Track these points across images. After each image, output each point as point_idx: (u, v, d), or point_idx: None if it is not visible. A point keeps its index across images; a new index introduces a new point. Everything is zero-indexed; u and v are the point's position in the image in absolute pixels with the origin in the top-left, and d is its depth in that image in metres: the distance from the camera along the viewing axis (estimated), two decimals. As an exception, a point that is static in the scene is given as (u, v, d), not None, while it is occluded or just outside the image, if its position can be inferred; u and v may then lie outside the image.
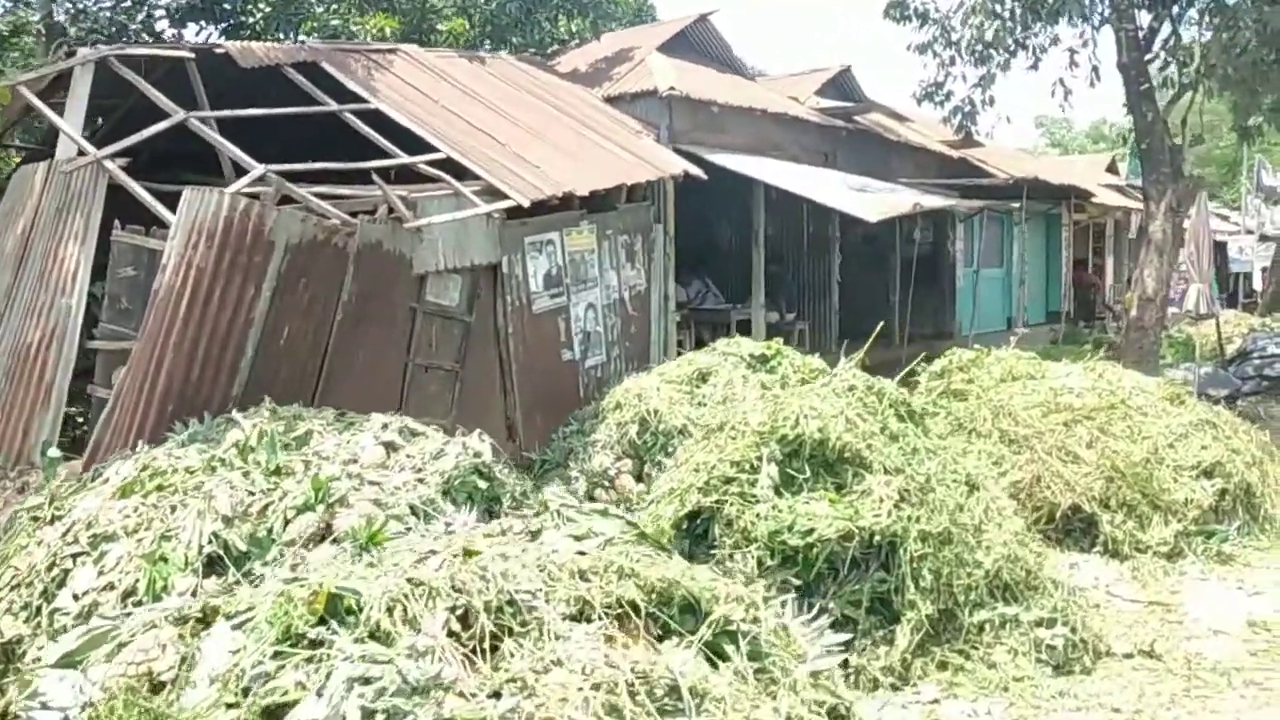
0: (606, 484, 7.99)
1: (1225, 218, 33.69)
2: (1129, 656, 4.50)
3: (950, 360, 7.76)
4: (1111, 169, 28.47)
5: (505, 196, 8.16)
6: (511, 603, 2.47)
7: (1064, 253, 22.65)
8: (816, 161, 13.67)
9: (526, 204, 8.13)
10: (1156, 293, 11.60)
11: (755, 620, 2.80)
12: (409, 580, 2.57)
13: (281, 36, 11.51)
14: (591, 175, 9.28)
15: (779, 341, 9.45)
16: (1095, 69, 12.74)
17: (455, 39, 13.31)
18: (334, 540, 4.41)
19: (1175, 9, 12.09)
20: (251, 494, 4.56)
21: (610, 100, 11.59)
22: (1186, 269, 10.54)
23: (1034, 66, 13.12)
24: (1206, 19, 12.33)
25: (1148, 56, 11.87)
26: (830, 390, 4.86)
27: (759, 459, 4.47)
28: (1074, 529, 6.22)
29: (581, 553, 2.72)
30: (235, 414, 5.27)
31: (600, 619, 2.50)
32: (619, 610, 2.55)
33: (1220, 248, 34.00)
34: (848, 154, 14.32)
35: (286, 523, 4.47)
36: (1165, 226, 11.63)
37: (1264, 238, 28.22)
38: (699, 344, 10.96)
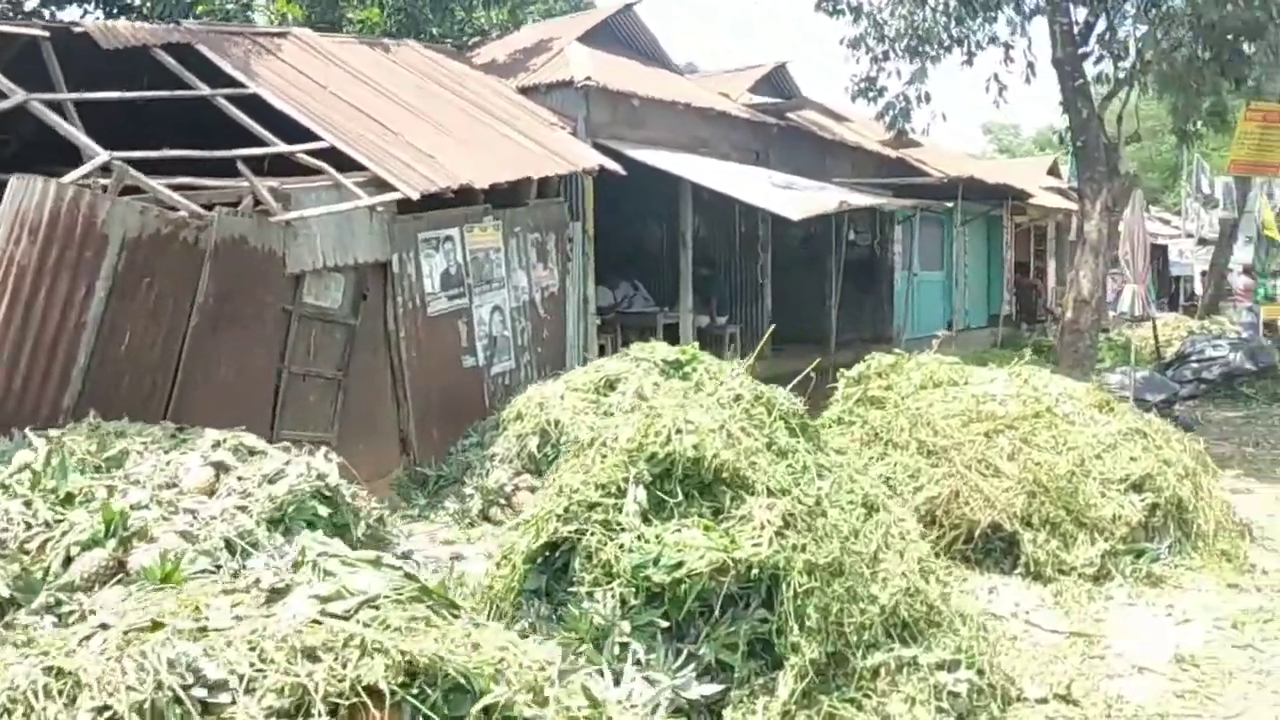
0: (503, 501, 7.38)
1: (1167, 222, 33.92)
2: (1043, 702, 3.98)
3: (869, 365, 7.24)
4: (1053, 171, 28.40)
5: (394, 189, 7.53)
6: (179, 701, 1.86)
7: (1005, 255, 22.45)
8: (747, 159, 13.18)
9: (415, 196, 7.50)
10: (1092, 294, 11.24)
11: (543, 702, 2.21)
12: (50, 669, 1.96)
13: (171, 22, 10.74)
14: (494, 168, 8.67)
15: (695, 346, 8.93)
16: (1031, 65, 12.39)
17: (370, 29, 12.64)
18: (127, 580, 3.76)
19: (1110, 2, 11.75)
20: (30, 526, 3.88)
21: (525, 91, 10.99)
22: (1121, 270, 10.16)
23: (968, 62, 12.74)
24: (1141, 13, 12.03)
25: (1083, 50, 11.51)
26: (714, 401, 4.29)
27: (627, 481, 3.89)
28: (994, 549, 5.73)
29: (318, 621, 2.13)
30: (30, 432, 4.57)
31: (318, 715, 1.90)
32: (353, 699, 1.96)
33: (1161, 251, 34.21)
34: (780, 152, 13.84)
35: (69, 560, 3.80)
36: (1101, 226, 11.27)
37: (1203, 241, 28.32)
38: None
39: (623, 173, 10.00)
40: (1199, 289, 26.94)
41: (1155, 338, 13.35)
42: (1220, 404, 12.83)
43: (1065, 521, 5.59)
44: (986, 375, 6.93)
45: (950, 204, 14.86)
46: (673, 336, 12.54)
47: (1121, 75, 11.72)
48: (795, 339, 14.86)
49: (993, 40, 12.70)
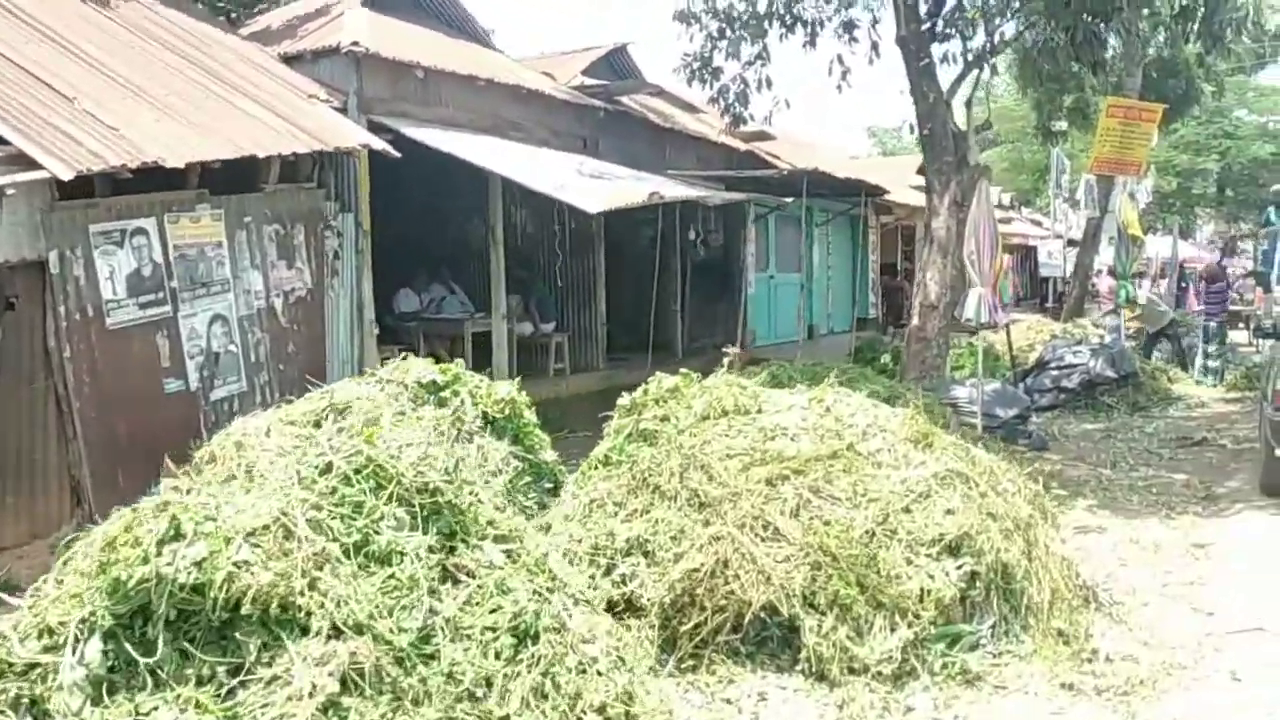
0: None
1: (1038, 223, 33.90)
2: None
3: (647, 390, 5.85)
4: (923, 170, 27.87)
5: (41, 166, 5.80)
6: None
7: (870, 257, 21.57)
8: (572, 147, 11.71)
9: (66, 176, 5.78)
10: (940, 298, 10.15)
11: None
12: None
13: None
14: (208, 144, 6.97)
15: (460, 365, 7.38)
16: (875, 45, 11.26)
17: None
18: None
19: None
20: None
21: (289, 60, 9.28)
22: (966, 269, 9.05)
23: (810, 43, 11.54)
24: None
25: (928, 27, 10.39)
26: (278, 483, 2.78)
27: (87, 625, 2.36)
28: (770, 637, 4.36)
29: None
30: None
31: None
32: None
33: (1031, 252, 34.18)
34: (612, 140, 12.43)
35: None
36: (949, 223, 10.19)
37: (1071, 242, 28.13)
38: (435, 362, 8.79)
39: (396, 154, 8.40)
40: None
41: (1009, 345, 12.36)
42: (1080, 415, 11.92)
43: (859, 601, 4.25)
44: (784, 401, 5.60)
45: (790, 199, 13.61)
46: (485, 346, 11.02)
47: (970, 57, 10.67)
48: (641, 347, 13.54)
49: (844, 19, 11.53)
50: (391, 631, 2.49)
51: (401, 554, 2.74)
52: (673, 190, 10.10)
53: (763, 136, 15.53)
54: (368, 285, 9.03)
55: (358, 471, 2.89)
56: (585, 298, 12.94)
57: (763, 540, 4.49)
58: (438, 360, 8.00)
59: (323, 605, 2.44)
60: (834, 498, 4.69)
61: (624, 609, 4.55)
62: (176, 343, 6.92)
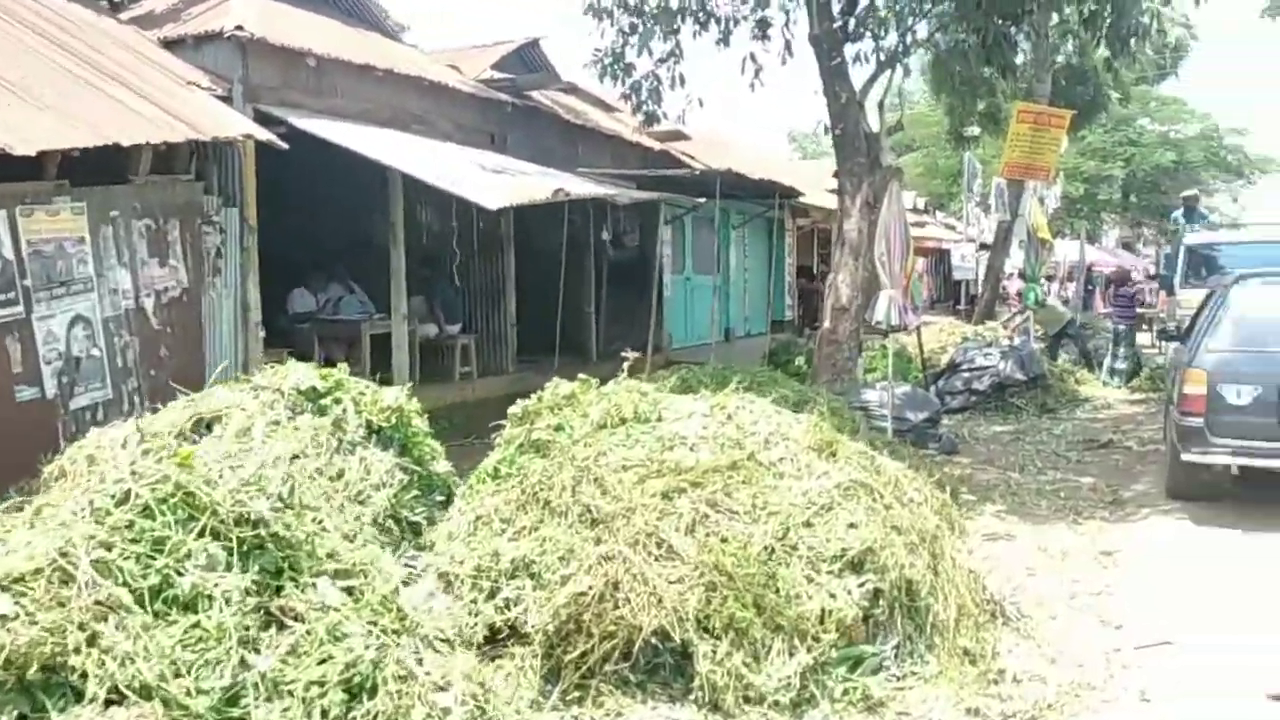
0: None
1: (952, 227, 34.44)
2: None
3: (541, 398, 5.50)
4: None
5: None
6: None
7: (787, 259, 21.57)
8: (478, 142, 11.31)
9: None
10: (851, 300, 10.00)
11: None
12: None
13: None
14: (69, 131, 6.41)
15: (344, 370, 6.95)
16: (788, 44, 11.09)
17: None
18: None
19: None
20: None
21: (171, 45, 8.71)
22: (877, 271, 8.90)
23: (724, 41, 11.31)
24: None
25: (839, 25, 10.24)
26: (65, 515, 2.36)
27: None
28: (663, 664, 4.05)
29: None
30: None
31: None
32: None
33: (945, 255, 34.70)
34: (522, 137, 12.05)
35: None
36: (861, 225, 10.05)
37: (984, 246, 28.57)
38: (329, 366, 8.30)
39: (283, 146, 7.91)
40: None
41: (920, 348, 12.32)
42: (991, 417, 11.94)
43: (755, 624, 3.97)
44: (686, 408, 5.30)
45: (703, 199, 13.40)
46: (383, 348, 10.54)
47: (883, 57, 10.56)
48: (546, 349, 13.16)
49: (756, 21, 11.30)
50: (188, 693, 2.10)
51: (210, 598, 2.35)
52: (579, 187, 9.77)
53: (678, 136, 15.29)
54: (254, 285, 8.51)
55: (162, 501, 2.48)
56: (494, 299, 12.53)
57: (656, 559, 4.19)
58: (333, 364, 7.57)
59: (102, 665, 2.04)
60: (732, 511, 4.40)
61: (508, 637, 4.21)
62: (30, 347, 6.34)
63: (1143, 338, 20.13)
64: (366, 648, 2.51)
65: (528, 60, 14.30)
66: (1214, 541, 6.36)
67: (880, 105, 10.60)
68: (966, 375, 12.63)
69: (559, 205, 11.41)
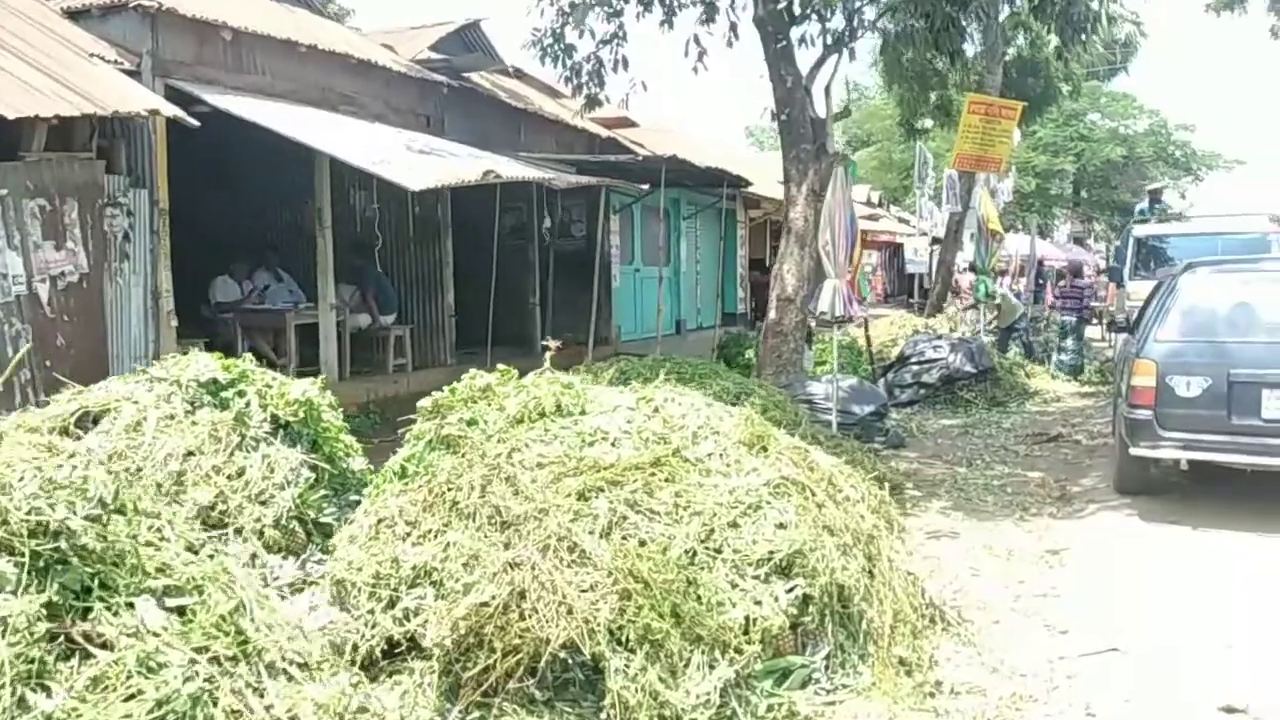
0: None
1: (906, 221, 34.46)
2: None
3: (455, 390, 5.13)
4: (793, 166, 27.88)
5: None
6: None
7: (739, 251, 21.29)
8: (413, 125, 10.87)
9: None
10: (797, 291, 9.72)
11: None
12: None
13: None
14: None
15: (248, 359, 6.52)
16: (734, 26, 10.77)
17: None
18: None
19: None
20: None
21: (74, 16, 8.18)
22: (821, 260, 8.62)
23: (668, 22, 10.97)
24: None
25: (783, 6, 9.94)
26: None
27: None
28: (573, 680, 3.70)
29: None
30: None
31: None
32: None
33: (898, 249, 34.73)
34: (459, 120, 11.63)
35: None
36: (807, 212, 9.78)
37: (937, 240, 28.58)
38: (257, 358, 7.86)
39: (193, 123, 7.42)
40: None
41: (868, 341, 12.07)
42: (940, 410, 11.76)
43: (672, 636, 3.64)
44: (611, 401, 4.96)
45: (647, 187, 13.05)
46: (314, 340, 10.08)
47: (829, 40, 10.28)
48: (500, 342, 12.75)
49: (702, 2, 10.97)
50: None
51: None
52: (512, 169, 9.37)
53: (626, 123, 14.97)
54: (165, 270, 8.03)
55: None
56: (431, 288, 12.08)
57: (568, 565, 3.83)
58: (259, 356, 7.13)
59: None
60: (653, 512, 4.07)
61: (408, 651, 3.85)
62: (-96, 335, 5.85)
63: (1092, 331, 20.18)
64: (187, 679, 2.12)
65: (469, 42, 13.86)
66: (1163, 538, 6.14)
67: (827, 90, 10.32)
68: (916, 368, 12.43)
69: (497, 191, 11.02)
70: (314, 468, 5.38)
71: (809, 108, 10.07)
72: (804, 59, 10.38)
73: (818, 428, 8.04)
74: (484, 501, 4.25)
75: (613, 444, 4.49)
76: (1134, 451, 6.75)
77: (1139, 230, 13.77)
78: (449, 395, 5.11)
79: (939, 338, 13.10)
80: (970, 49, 13.98)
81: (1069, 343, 14.36)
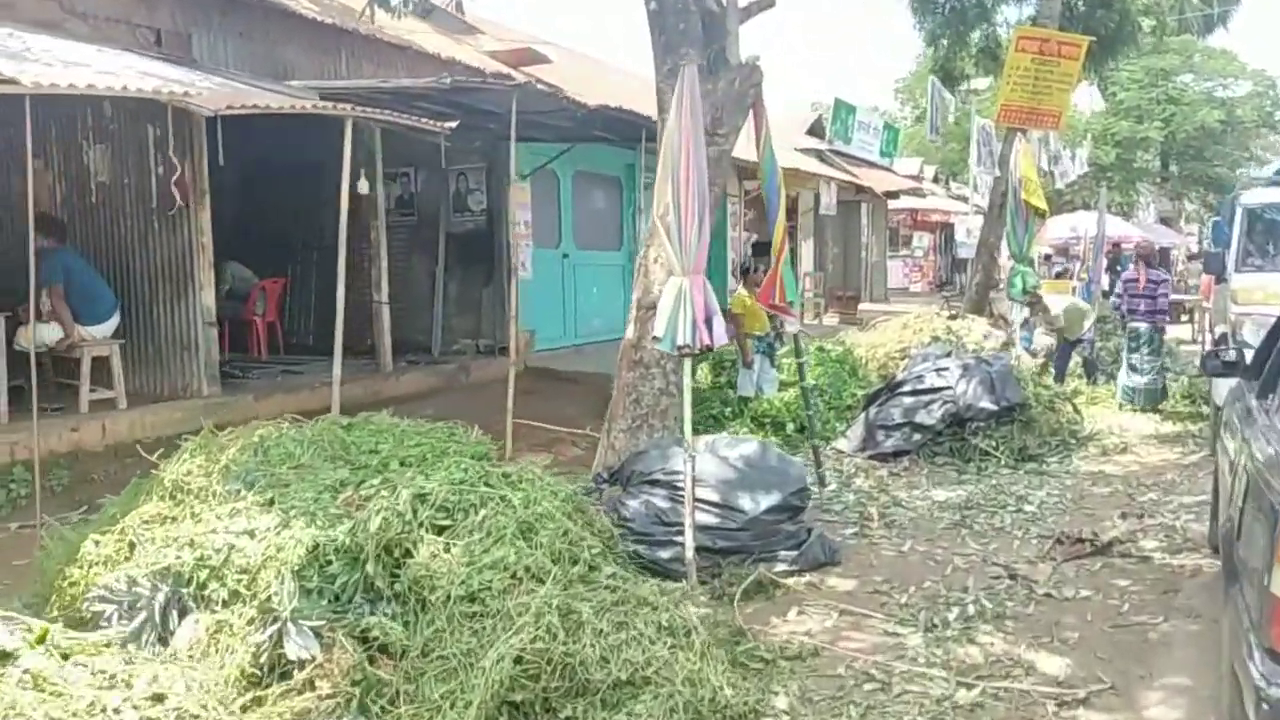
0: None
1: (964, 199, 29.81)
2: None
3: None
4: (814, 131, 23.55)
5: None
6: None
7: (730, 233, 17.19)
8: (130, 42, 7.22)
9: None
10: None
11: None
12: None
13: None
14: None
15: None
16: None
17: None
18: None
19: None
20: None
21: None
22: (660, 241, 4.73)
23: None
24: None
25: None
26: None
27: None
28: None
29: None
30: None
31: None
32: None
33: (948, 230, 30.12)
34: (222, 38, 7.94)
35: None
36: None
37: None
38: None
39: None
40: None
41: (800, 372, 7.63)
42: (941, 467, 7.84)
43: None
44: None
45: (453, 125, 8.69)
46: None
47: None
48: (352, 351, 9.12)
49: None
50: None
51: None
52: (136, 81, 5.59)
53: (534, 58, 11.10)
54: None
55: None
56: (178, 283, 8.23)
57: None
58: None
59: None
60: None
61: None
62: None
63: (1180, 331, 15.76)
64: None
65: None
66: None
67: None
68: (909, 401, 8.43)
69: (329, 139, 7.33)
70: None
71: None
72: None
73: (632, 561, 4.25)
74: None
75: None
76: None
77: (1252, 198, 9.32)
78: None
79: (947, 355, 9.01)
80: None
81: (1141, 357, 10.12)
